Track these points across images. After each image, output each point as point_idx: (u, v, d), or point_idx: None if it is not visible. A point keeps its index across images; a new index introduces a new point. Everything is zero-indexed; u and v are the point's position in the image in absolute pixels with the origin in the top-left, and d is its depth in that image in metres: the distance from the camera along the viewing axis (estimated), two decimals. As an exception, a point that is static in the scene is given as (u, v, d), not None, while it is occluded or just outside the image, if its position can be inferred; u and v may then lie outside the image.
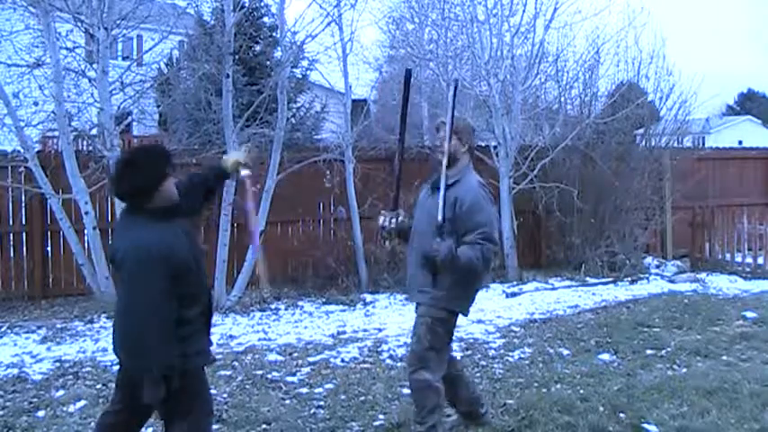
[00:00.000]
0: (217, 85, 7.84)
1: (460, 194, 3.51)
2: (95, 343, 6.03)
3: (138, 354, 2.78)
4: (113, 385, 3.35)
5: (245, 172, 3.32)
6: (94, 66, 7.00)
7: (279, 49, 9.73)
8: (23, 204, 7.80)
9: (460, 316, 3.69)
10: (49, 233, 7.81)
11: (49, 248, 7.83)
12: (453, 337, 3.87)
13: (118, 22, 6.92)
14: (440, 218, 3.41)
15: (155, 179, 2.83)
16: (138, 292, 2.77)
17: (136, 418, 3.13)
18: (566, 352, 5.65)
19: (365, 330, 6.51)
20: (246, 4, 7.59)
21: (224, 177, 3.42)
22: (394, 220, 3.67)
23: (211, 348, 3.21)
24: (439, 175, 3.52)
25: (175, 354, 2.78)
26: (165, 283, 2.74)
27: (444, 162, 3.47)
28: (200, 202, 3.36)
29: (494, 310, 7.20)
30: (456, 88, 3.66)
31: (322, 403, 4.51)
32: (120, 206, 6.80)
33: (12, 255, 7.77)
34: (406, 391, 4.19)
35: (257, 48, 11.52)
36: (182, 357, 2.85)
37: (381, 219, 3.72)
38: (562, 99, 10.26)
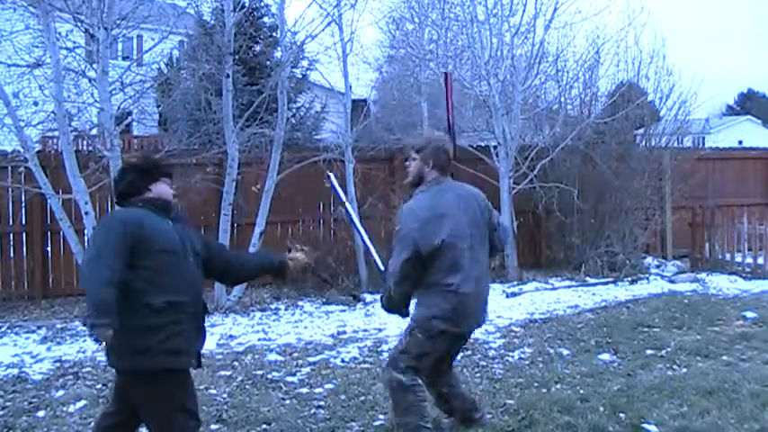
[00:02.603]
0: (217, 85, 7.84)
1: None
2: (95, 343, 6.02)
3: (87, 296, 2.89)
4: (113, 385, 3.35)
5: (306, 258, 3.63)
6: (94, 66, 6.98)
7: (279, 49, 9.72)
8: (23, 204, 7.80)
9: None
10: (49, 233, 7.81)
11: (49, 248, 7.84)
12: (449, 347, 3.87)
13: (118, 22, 6.90)
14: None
15: (141, 186, 3.12)
16: (93, 243, 3.04)
17: (133, 420, 3.15)
18: (566, 352, 5.65)
19: (365, 330, 6.51)
20: (246, 4, 7.59)
21: (280, 275, 3.64)
22: None
23: (201, 353, 3.16)
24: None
25: (114, 302, 2.84)
26: (117, 240, 2.87)
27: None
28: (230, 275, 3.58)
29: (494, 310, 7.19)
30: None
31: (322, 403, 4.51)
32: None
33: (12, 255, 7.78)
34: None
35: (257, 48, 11.51)
36: (145, 353, 2.88)
37: None
38: (562, 99, 10.25)
